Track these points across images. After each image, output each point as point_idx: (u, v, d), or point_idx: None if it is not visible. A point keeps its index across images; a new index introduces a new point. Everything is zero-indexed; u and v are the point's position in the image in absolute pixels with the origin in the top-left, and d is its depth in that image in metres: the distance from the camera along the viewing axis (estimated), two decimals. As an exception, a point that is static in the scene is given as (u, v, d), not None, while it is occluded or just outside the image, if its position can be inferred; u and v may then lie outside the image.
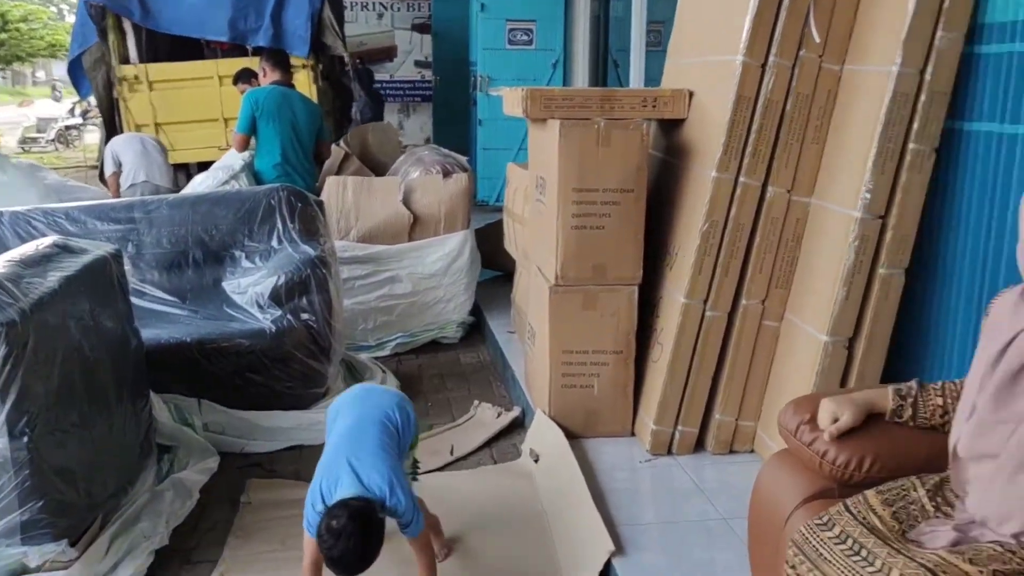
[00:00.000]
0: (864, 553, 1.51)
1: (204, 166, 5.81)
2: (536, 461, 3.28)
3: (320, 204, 4.08)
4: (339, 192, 4.71)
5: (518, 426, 3.73)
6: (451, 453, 3.49)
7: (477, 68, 8.27)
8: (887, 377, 2.91)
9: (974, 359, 1.66)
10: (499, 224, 4.93)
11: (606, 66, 7.82)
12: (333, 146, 5.78)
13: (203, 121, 6.86)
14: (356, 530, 2.10)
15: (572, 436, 3.29)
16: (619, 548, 2.57)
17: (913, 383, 1.87)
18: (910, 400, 1.84)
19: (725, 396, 3.11)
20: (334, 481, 2.22)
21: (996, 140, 2.60)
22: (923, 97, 2.66)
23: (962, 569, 1.41)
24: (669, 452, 3.19)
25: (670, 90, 3.31)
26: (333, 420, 2.53)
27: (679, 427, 3.16)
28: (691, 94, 3.26)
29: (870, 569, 1.47)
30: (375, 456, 2.30)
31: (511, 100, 3.43)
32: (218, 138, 6.75)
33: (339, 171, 5.45)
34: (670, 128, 3.45)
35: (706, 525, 2.73)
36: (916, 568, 1.41)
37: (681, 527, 2.72)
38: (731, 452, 3.18)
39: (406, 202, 4.71)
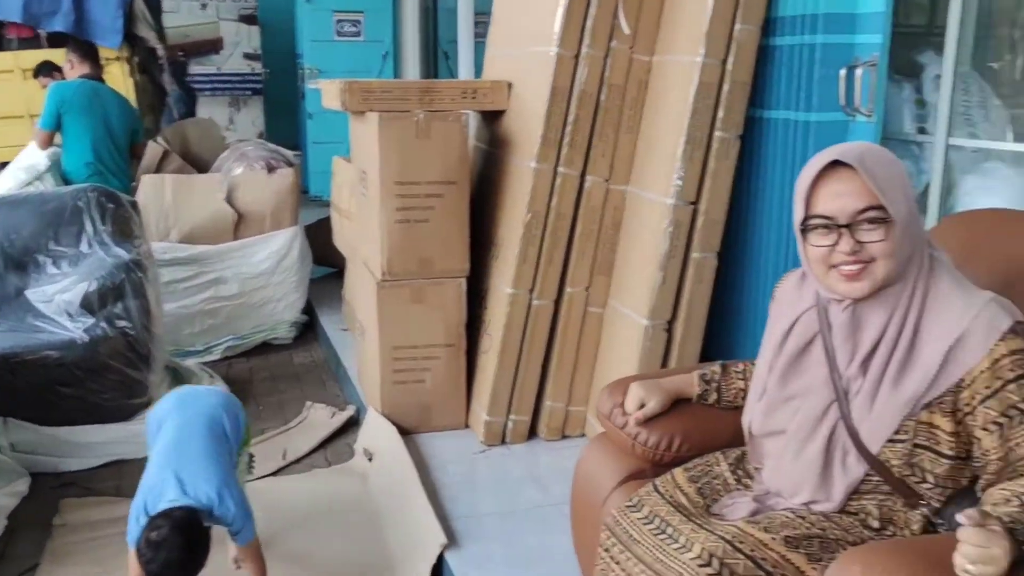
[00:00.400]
0: (670, 531, 1.56)
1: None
2: (370, 460, 3.23)
3: (134, 204, 3.87)
4: (157, 191, 4.49)
5: (353, 425, 3.66)
6: (283, 457, 3.39)
7: (304, 60, 8.07)
8: (706, 356, 3.04)
9: (763, 342, 1.74)
10: (330, 219, 4.83)
11: (436, 58, 7.80)
12: (151, 143, 5.49)
13: (5, 118, 6.37)
14: (178, 542, 2.00)
15: (406, 432, 3.26)
16: (453, 541, 2.57)
17: (717, 367, 1.94)
18: (714, 385, 1.91)
19: (555, 383, 3.16)
20: (159, 493, 2.11)
21: (792, 127, 2.75)
22: (726, 86, 2.78)
23: (757, 538, 1.47)
24: (503, 442, 3.22)
25: (490, 81, 3.32)
26: (156, 430, 2.40)
27: (511, 416, 3.19)
28: (510, 85, 3.28)
29: (675, 546, 1.52)
30: (203, 464, 2.20)
31: (329, 93, 3.35)
32: (24, 136, 6.26)
33: (159, 169, 5.18)
34: (492, 119, 3.47)
35: (539, 512, 2.76)
36: (716, 541, 1.47)
37: (515, 516, 2.75)
38: (563, 438, 3.24)
39: (229, 200, 4.54)
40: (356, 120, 3.47)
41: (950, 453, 1.47)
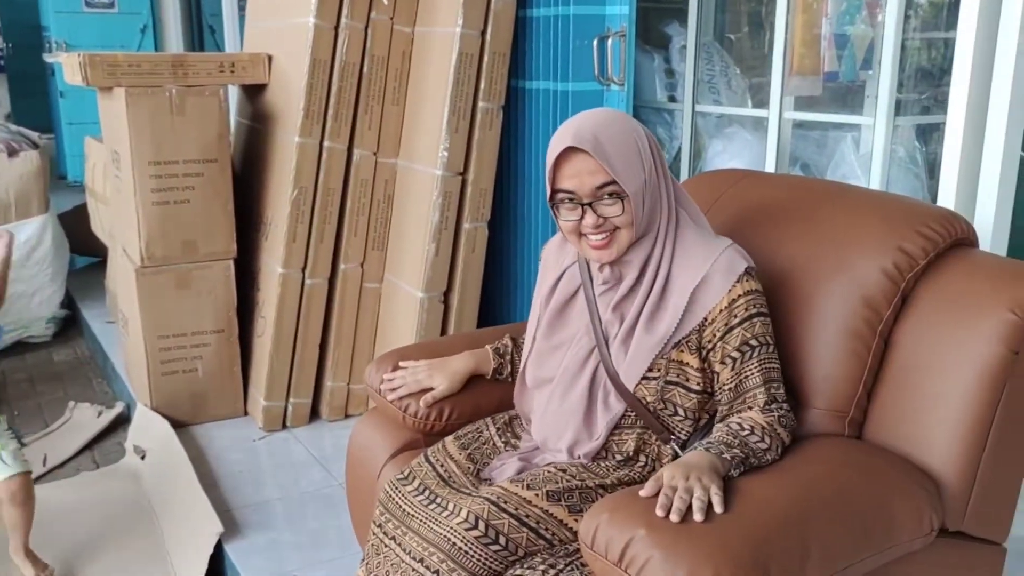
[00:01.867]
0: (439, 500, 1.58)
1: None
2: (143, 458, 3.06)
3: None
4: None
5: (123, 423, 3.45)
6: (44, 464, 3.14)
7: (51, 34, 7.43)
8: (483, 323, 3.09)
9: (533, 300, 1.80)
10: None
11: (202, 31, 7.41)
12: None
13: None
14: None
15: (181, 424, 3.12)
16: (235, 531, 2.50)
17: (507, 340, 1.97)
18: (508, 358, 1.94)
19: (334, 362, 3.11)
20: None
21: (552, 96, 2.82)
22: (486, 57, 2.81)
23: (522, 496, 1.52)
24: (284, 426, 3.14)
25: (248, 54, 3.19)
26: None
27: (291, 399, 3.11)
28: (270, 58, 3.17)
29: (445, 513, 1.53)
30: None
31: (70, 67, 3.09)
32: None
33: None
34: (254, 94, 3.34)
35: (323, 494, 2.72)
36: (481, 503, 1.50)
37: (297, 499, 2.69)
38: (347, 417, 3.20)
39: (-35, 188, 4.12)
40: (104, 97, 3.23)
41: (697, 388, 1.58)
